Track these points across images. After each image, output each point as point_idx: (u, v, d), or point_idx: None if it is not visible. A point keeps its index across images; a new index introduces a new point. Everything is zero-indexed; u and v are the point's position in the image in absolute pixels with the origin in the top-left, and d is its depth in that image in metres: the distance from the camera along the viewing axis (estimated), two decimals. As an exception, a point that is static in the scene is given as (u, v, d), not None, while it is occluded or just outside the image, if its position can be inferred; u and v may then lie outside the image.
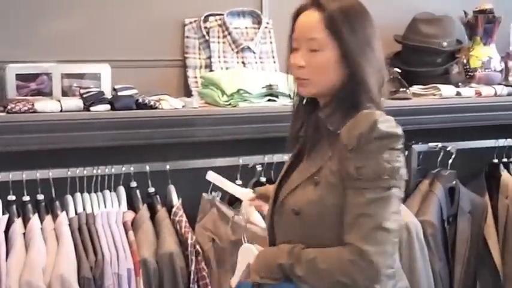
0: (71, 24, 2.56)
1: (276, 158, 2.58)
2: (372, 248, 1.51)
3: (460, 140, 2.86)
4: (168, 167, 2.47)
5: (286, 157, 1.93)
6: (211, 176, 2.27)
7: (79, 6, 2.58)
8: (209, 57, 2.74)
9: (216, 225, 2.42)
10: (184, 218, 2.40)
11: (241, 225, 2.17)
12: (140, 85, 2.52)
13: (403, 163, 1.59)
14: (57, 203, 2.33)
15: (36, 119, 2.17)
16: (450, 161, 2.76)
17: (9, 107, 2.18)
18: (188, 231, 2.38)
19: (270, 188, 1.89)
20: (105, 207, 2.38)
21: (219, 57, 2.75)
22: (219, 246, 2.40)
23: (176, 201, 2.45)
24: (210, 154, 2.48)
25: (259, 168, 2.59)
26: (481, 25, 3.02)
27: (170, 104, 2.39)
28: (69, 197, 2.36)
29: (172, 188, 2.48)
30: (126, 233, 2.34)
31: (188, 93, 2.70)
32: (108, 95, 2.40)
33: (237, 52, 2.77)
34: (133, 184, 2.45)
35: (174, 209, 2.41)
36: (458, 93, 2.82)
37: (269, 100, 2.52)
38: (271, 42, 2.83)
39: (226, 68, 2.72)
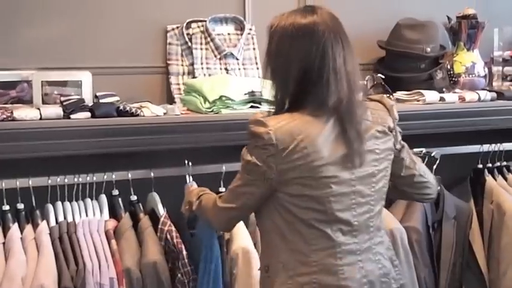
0: (51, 32, 2.55)
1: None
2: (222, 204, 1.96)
3: (445, 146, 2.85)
4: (152, 174, 2.45)
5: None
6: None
7: (60, 13, 2.57)
8: (192, 64, 2.73)
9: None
10: (173, 228, 2.36)
11: None
12: (123, 92, 2.50)
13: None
14: (38, 212, 2.31)
15: (14, 127, 2.15)
16: (435, 167, 2.74)
17: (-13, 115, 2.16)
18: (180, 242, 2.33)
19: None
20: (87, 215, 2.35)
21: (201, 63, 2.73)
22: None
23: (161, 209, 2.42)
24: (193, 161, 2.46)
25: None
26: (464, 30, 3.02)
27: (152, 111, 2.37)
28: (49, 206, 2.33)
29: (155, 195, 2.45)
30: (109, 242, 2.31)
31: (171, 100, 2.69)
32: (90, 102, 2.38)
33: (220, 59, 2.76)
34: (115, 192, 2.43)
35: (162, 219, 2.37)
36: (442, 99, 2.81)
37: (252, 107, 2.50)
38: (254, 49, 2.82)
39: (209, 75, 2.71)
